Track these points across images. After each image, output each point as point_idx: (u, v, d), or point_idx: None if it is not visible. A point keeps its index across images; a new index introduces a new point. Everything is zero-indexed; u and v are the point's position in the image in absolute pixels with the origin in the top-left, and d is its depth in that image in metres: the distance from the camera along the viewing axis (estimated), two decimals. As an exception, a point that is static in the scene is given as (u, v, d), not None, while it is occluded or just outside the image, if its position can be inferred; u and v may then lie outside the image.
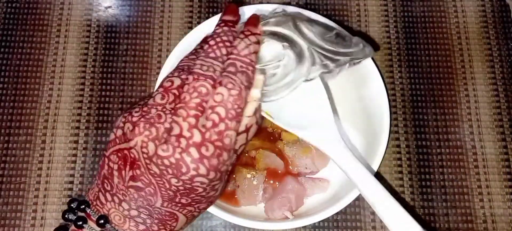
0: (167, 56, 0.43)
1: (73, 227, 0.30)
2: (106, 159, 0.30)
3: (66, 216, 0.30)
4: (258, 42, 0.32)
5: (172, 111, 0.29)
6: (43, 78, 0.48)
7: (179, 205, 0.29)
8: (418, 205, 0.45)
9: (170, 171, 0.28)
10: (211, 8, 0.51)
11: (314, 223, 0.43)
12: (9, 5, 0.50)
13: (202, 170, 0.28)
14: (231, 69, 0.30)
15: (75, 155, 0.45)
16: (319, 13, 0.42)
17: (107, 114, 0.47)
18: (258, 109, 0.32)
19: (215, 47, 0.31)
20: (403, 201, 0.45)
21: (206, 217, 0.44)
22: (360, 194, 0.38)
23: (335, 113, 0.44)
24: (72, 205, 0.30)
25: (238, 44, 0.31)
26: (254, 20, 0.34)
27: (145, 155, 0.28)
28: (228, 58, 0.30)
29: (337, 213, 0.39)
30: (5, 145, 0.45)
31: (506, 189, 0.46)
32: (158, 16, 0.50)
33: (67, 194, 0.44)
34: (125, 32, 0.50)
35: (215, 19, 0.42)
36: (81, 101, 0.47)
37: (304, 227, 0.44)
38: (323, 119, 0.36)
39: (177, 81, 0.30)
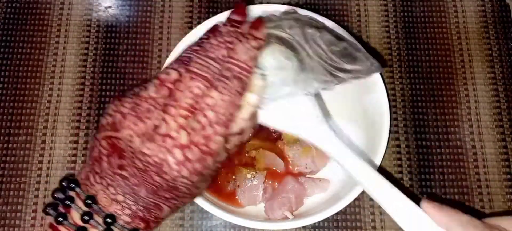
0: (167, 56, 0.43)
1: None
2: (97, 142, 0.30)
3: (55, 195, 0.30)
4: (259, 48, 0.32)
5: (163, 107, 0.29)
6: (43, 78, 0.48)
7: (163, 198, 0.29)
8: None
9: (153, 168, 0.28)
10: (211, 8, 0.51)
11: (314, 223, 0.43)
12: (9, 5, 0.50)
13: (185, 173, 0.28)
14: (227, 74, 0.30)
15: (75, 155, 0.45)
16: (318, 14, 0.42)
17: (107, 115, 0.47)
18: (254, 114, 0.32)
19: (216, 47, 0.31)
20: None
21: (206, 217, 0.44)
22: (360, 194, 0.38)
23: (327, 115, 0.43)
24: (63, 183, 0.30)
25: (238, 48, 0.31)
26: (258, 24, 0.33)
27: (130, 149, 0.28)
28: (227, 61, 0.30)
29: (337, 213, 0.38)
30: (5, 145, 0.45)
31: (506, 189, 0.46)
32: (158, 16, 0.50)
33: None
34: (125, 32, 0.50)
35: (214, 20, 0.42)
36: (81, 101, 0.47)
37: (304, 227, 0.44)
38: (312, 115, 0.35)
39: (174, 75, 0.30)
